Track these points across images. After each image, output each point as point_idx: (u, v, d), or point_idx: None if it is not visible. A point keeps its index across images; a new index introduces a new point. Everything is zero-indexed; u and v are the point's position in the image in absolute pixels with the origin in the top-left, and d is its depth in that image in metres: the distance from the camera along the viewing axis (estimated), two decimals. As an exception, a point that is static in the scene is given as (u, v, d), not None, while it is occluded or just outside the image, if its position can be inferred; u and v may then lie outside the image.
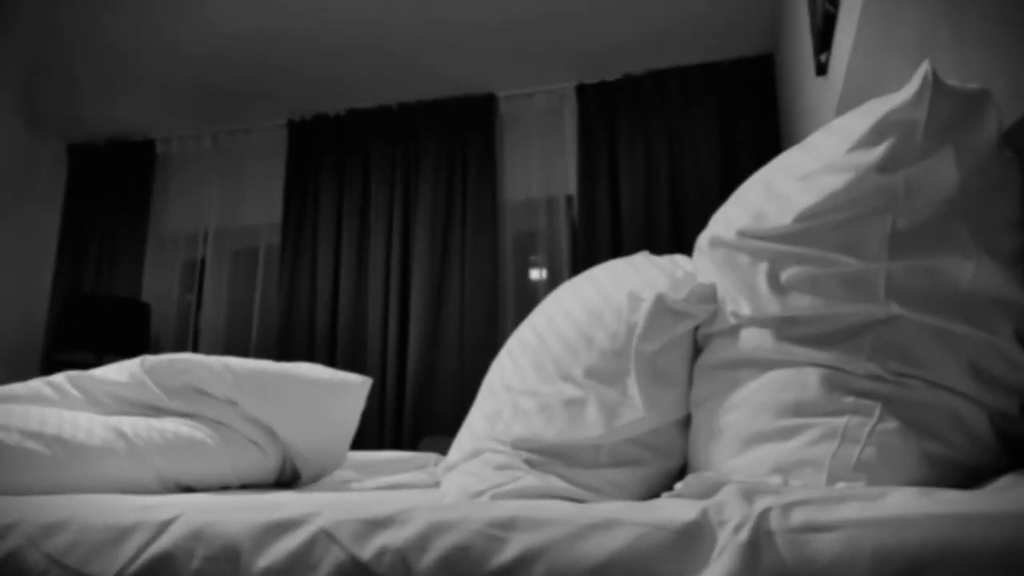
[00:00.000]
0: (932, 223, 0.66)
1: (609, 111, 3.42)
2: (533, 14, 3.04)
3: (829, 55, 1.85)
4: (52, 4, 2.99)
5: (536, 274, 3.53)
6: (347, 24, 3.10)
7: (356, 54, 3.32)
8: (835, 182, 0.69)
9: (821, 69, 1.92)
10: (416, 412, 3.24)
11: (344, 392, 1.52)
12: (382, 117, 3.68)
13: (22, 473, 1.04)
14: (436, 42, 3.22)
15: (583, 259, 3.25)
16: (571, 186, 3.47)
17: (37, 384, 1.30)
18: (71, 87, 3.59)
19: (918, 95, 0.66)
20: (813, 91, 2.22)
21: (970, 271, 0.65)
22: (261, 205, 3.87)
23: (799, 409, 0.70)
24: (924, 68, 0.67)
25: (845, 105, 1.65)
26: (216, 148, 3.99)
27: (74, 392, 1.30)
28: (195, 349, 3.76)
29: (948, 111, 0.66)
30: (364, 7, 2.99)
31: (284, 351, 3.51)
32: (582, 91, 3.46)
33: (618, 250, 3.25)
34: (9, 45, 3.25)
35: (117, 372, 1.33)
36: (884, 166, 0.67)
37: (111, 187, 3.99)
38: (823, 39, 1.81)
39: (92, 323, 3.39)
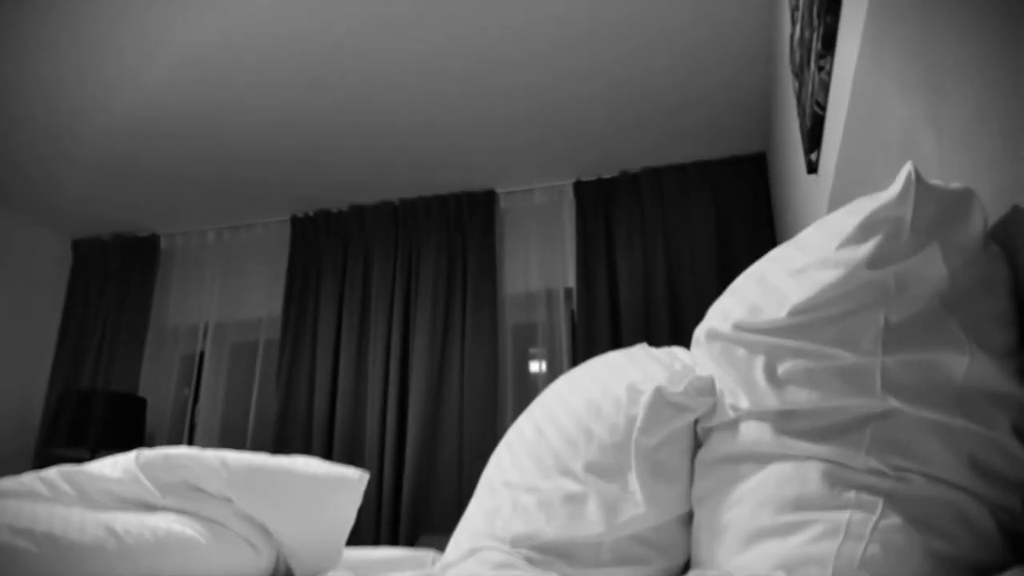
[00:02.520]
0: (924, 318, 0.67)
1: (606, 206, 3.50)
2: (532, 114, 3.14)
3: (819, 154, 1.90)
4: (56, 100, 3.09)
5: (536, 366, 3.53)
6: (350, 123, 3.20)
7: (359, 152, 3.41)
8: (827, 277, 0.71)
9: (812, 167, 1.97)
10: (414, 508, 3.18)
11: (341, 487, 1.49)
12: (384, 212, 3.76)
13: (11, 572, 1.01)
14: (437, 140, 3.32)
15: (582, 351, 3.25)
16: (570, 279, 3.51)
17: (30, 479, 1.28)
18: (78, 183, 3.67)
19: (902, 194, 0.68)
20: (805, 187, 2.27)
21: (964, 365, 0.65)
22: (262, 299, 3.90)
23: (801, 504, 0.69)
24: (907, 168, 0.69)
25: (836, 201, 1.69)
26: (220, 243, 4.05)
27: (67, 488, 1.28)
28: (191, 442, 3.72)
29: (933, 209, 0.68)
30: (367, 107, 3.09)
31: (281, 444, 3.47)
32: (579, 187, 3.54)
33: (617, 342, 3.26)
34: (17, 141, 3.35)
35: (111, 468, 1.32)
36: (873, 262, 0.68)
37: (114, 281, 4.03)
38: (813, 139, 1.87)
39: (87, 418, 3.36)
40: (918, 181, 0.69)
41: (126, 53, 2.79)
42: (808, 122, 1.87)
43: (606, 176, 3.55)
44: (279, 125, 3.21)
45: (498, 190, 3.69)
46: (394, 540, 3.19)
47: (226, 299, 3.95)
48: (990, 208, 0.77)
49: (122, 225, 4.09)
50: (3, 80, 2.93)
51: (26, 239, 3.96)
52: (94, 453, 3.37)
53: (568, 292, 3.50)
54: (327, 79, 2.93)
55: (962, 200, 0.70)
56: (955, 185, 0.71)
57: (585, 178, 3.58)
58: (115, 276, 4.04)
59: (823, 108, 1.73)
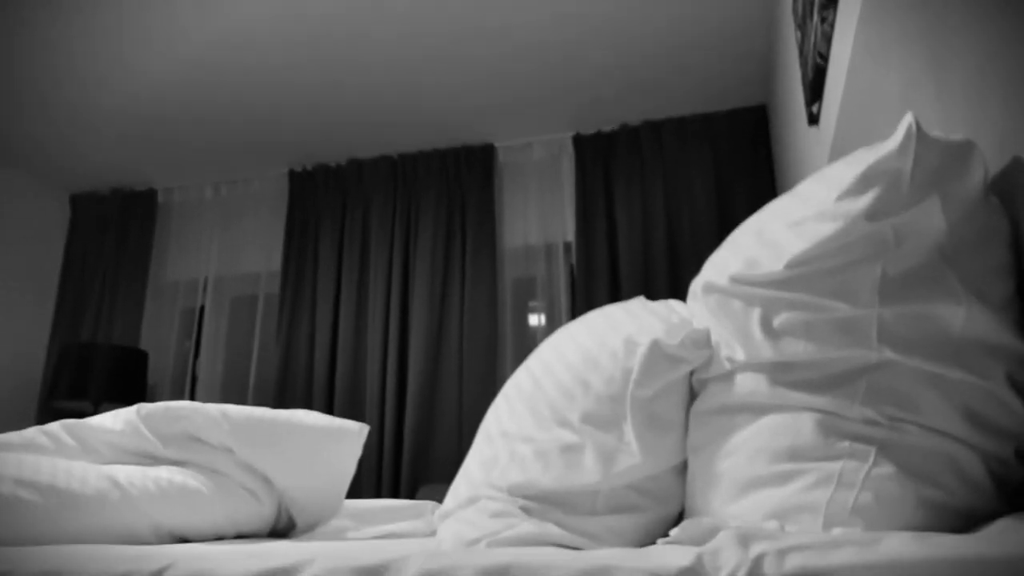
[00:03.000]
0: (922, 270, 0.67)
1: (606, 160, 3.47)
2: (531, 67, 3.09)
3: (820, 106, 1.89)
4: (55, 59, 3.04)
5: (535, 320, 3.54)
6: (348, 76, 3.15)
7: (357, 106, 3.37)
8: (825, 229, 0.70)
9: (813, 119, 1.95)
10: (414, 459, 3.22)
11: (341, 439, 1.51)
12: (382, 167, 3.73)
13: (15, 523, 1.03)
14: (436, 94, 3.28)
15: (581, 304, 3.26)
16: (569, 233, 3.50)
17: (32, 433, 1.29)
18: (74, 137, 3.63)
19: (902, 146, 0.68)
20: (806, 140, 2.26)
21: (961, 317, 0.65)
22: (261, 253, 3.90)
23: (795, 454, 0.70)
24: (907, 120, 0.68)
25: (837, 153, 1.68)
26: (217, 197, 4.03)
27: (69, 441, 1.29)
28: (192, 396, 3.74)
29: (933, 161, 0.68)
30: (365, 61, 3.05)
31: (282, 398, 3.49)
32: (579, 141, 3.51)
33: (615, 295, 3.27)
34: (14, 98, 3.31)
35: (113, 420, 1.33)
36: (872, 214, 0.68)
37: (112, 235, 4.02)
38: (814, 90, 1.84)
39: (89, 371, 3.38)
40: (919, 133, 0.68)
41: (126, 11, 2.74)
42: (810, 73, 1.84)
43: (605, 129, 3.52)
44: (277, 79, 3.17)
45: (497, 144, 3.66)
46: (395, 491, 3.24)
47: (225, 253, 3.94)
48: (990, 160, 0.76)
49: (120, 180, 4.06)
50: (4, 39, 2.88)
51: (24, 194, 3.94)
52: (97, 406, 3.39)
53: (567, 246, 3.50)
54: (326, 34, 2.88)
55: (963, 152, 0.69)
56: (956, 137, 0.70)
57: (584, 131, 3.54)
58: (113, 231, 4.02)
59: (825, 59, 1.70)
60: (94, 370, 3.38)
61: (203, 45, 2.97)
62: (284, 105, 3.37)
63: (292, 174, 3.86)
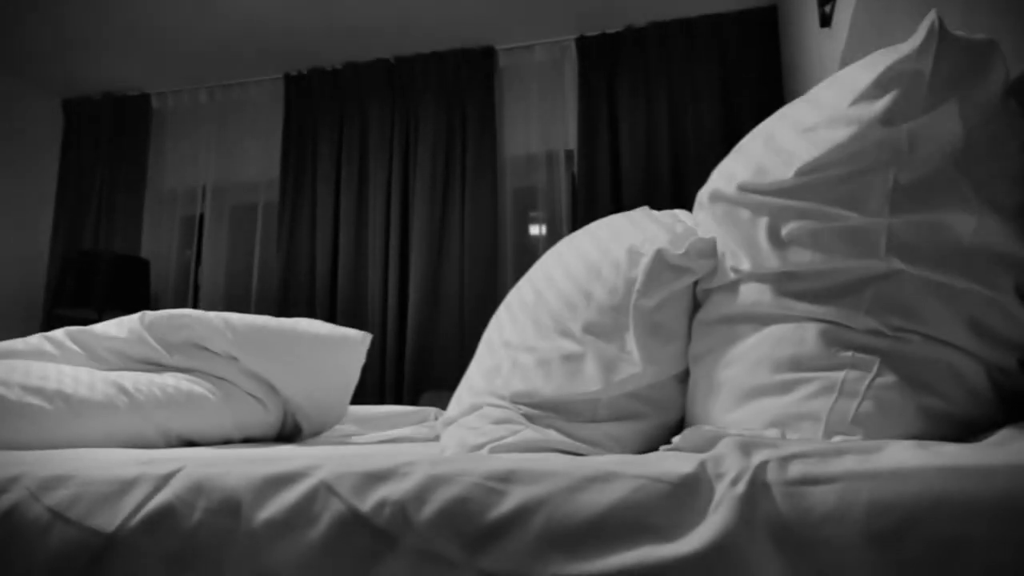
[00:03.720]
0: (935, 177, 0.66)
1: (610, 64, 3.38)
2: (533, -36, 2.97)
3: (833, 6, 1.82)
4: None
5: (536, 230, 3.52)
6: (343, -26, 3.03)
7: (353, 6, 3.26)
8: (838, 135, 0.68)
9: (825, 20, 1.89)
10: (416, 367, 3.26)
11: (344, 347, 1.52)
12: (380, 70, 3.64)
13: (23, 428, 1.05)
14: (434, -7, 3.16)
15: (583, 214, 3.24)
16: (571, 141, 3.44)
17: (37, 340, 1.30)
18: (65, 42, 3.53)
19: (924, 46, 0.65)
20: (817, 43, 2.19)
21: (972, 226, 0.64)
22: (259, 161, 3.84)
23: (797, 363, 0.70)
24: (931, 18, 0.65)
25: (849, 57, 1.63)
26: (212, 103, 3.94)
27: (74, 348, 1.30)
28: (195, 305, 3.76)
29: (954, 62, 0.65)
30: (360, -43, 2.93)
31: (284, 307, 3.52)
32: (583, 43, 3.41)
33: (618, 205, 3.24)
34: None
35: (117, 328, 1.34)
36: (887, 119, 0.66)
37: (108, 142, 3.96)
38: (828, -11, 1.78)
39: (92, 279, 3.39)
40: (941, 31, 0.65)
41: None
42: (825, -29, 1.77)
43: (610, 31, 3.41)
44: (267, -24, 3.05)
45: (497, 47, 3.56)
46: (398, 398, 3.30)
47: (223, 161, 3.89)
48: (1011, 62, 0.73)
49: (111, 84, 3.97)
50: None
51: (15, 100, 3.85)
52: (101, 314, 3.42)
53: (569, 154, 3.45)
54: (316, -76, 2.76)
55: (985, 52, 0.66)
56: (978, 36, 0.67)
57: (588, 33, 3.43)
58: (108, 137, 3.96)
59: (842, -44, 1.63)
60: (96, 278, 3.39)
61: (192, -59, 2.85)
62: (278, 6, 3.26)
63: (288, 78, 3.77)
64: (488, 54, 3.53)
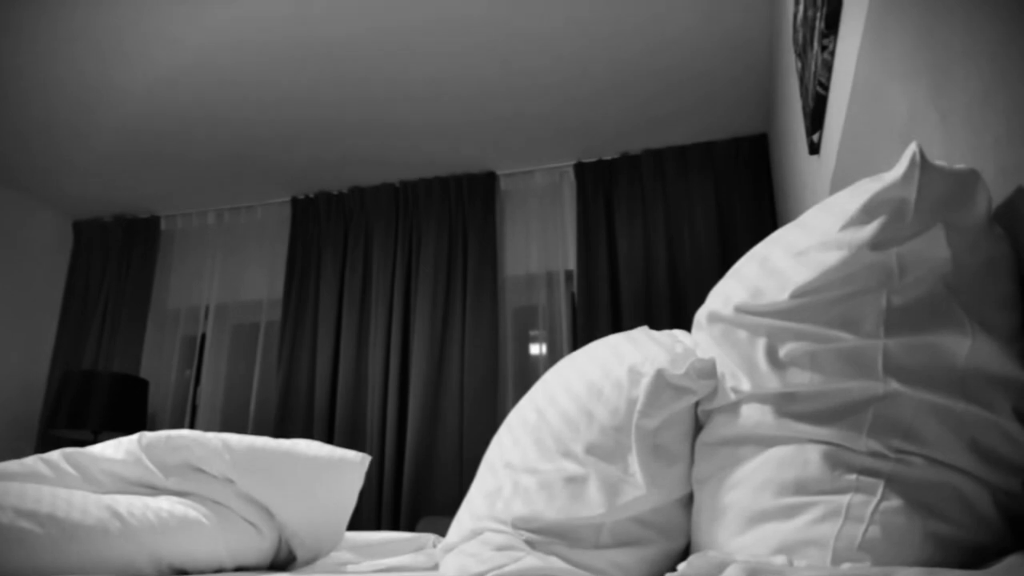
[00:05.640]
0: (927, 300, 0.67)
1: (607, 188, 3.49)
2: (532, 95, 3.12)
3: (821, 135, 1.89)
4: (58, 85, 3.07)
5: (536, 349, 3.53)
6: (351, 104, 3.18)
7: (360, 133, 3.40)
8: (829, 259, 0.70)
9: (814, 148, 1.96)
10: (415, 490, 3.19)
11: (342, 470, 1.50)
12: (384, 194, 3.75)
13: (15, 553, 1.02)
14: (438, 121, 3.30)
15: (583, 334, 3.26)
16: (570, 261, 3.50)
17: (33, 461, 1.29)
18: (79, 163, 3.65)
19: (907, 175, 0.68)
20: (807, 169, 2.27)
21: (966, 347, 0.65)
22: (263, 281, 3.90)
23: (801, 487, 0.69)
24: (912, 149, 0.68)
25: (839, 182, 1.68)
26: (220, 224, 4.04)
27: (70, 470, 1.28)
28: (192, 425, 3.73)
29: (937, 190, 0.68)
30: (367, 88, 3.07)
31: (282, 427, 3.48)
32: (580, 169, 3.52)
33: (618, 325, 3.26)
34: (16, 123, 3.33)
35: (114, 449, 1.32)
36: (876, 243, 0.68)
37: (115, 262, 4.03)
38: (815, 119, 1.86)
39: (89, 400, 3.37)
40: (923, 162, 0.68)
41: (129, 38, 2.77)
42: (810, 102, 1.86)
43: (607, 157, 3.54)
44: (280, 107, 3.20)
45: (499, 171, 3.68)
46: (395, 522, 3.21)
47: (227, 281, 3.95)
48: (994, 190, 0.76)
49: (123, 206, 4.08)
50: (7, 63, 2.91)
51: (28, 220, 3.95)
52: (96, 435, 3.38)
53: (568, 274, 3.50)
54: (328, 63, 2.91)
55: (966, 181, 0.69)
56: (959, 166, 0.70)
57: (586, 159, 3.56)
58: (116, 257, 4.04)
59: (826, 88, 1.72)
60: (94, 399, 3.37)
61: (206, 73, 3.00)
62: (287, 134, 3.39)
63: (295, 201, 3.88)
64: (490, 178, 3.65)
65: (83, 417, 3.35)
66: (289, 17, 2.68)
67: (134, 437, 1.33)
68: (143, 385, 3.58)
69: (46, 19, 2.69)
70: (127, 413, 3.45)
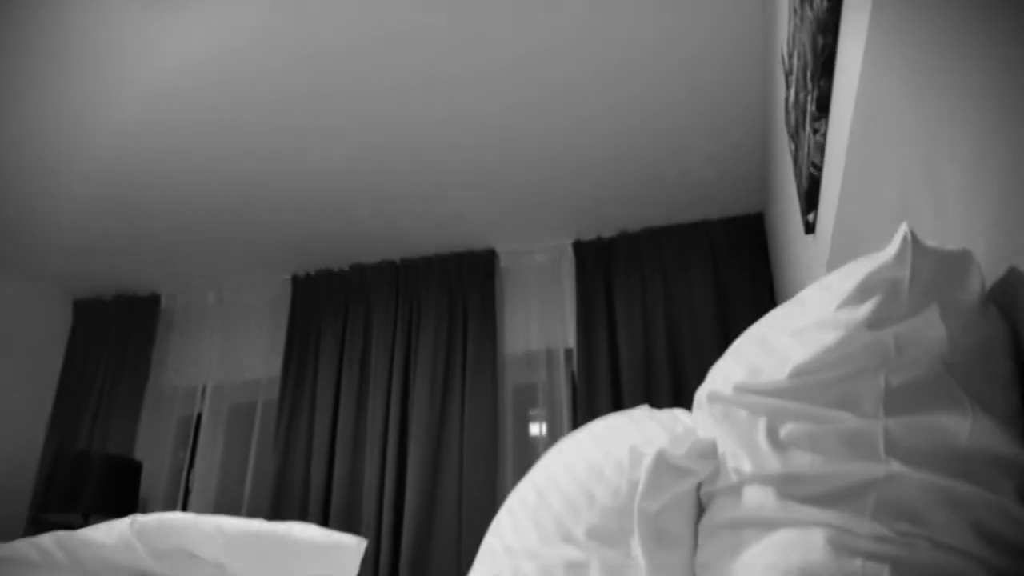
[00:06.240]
0: (925, 380, 0.67)
1: (606, 266, 3.52)
2: (532, 175, 3.18)
3: (816, 214, 1.92)
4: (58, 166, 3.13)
5: (536, 429, 3.50)
6: (351, 182, 3.24)
7: (361, 214, 3.44)
8: (827, 338, 0.71)
9: (809, 228, 1.99)
10: (412, 574, 3.11)
11: (338, 555, 1.47)
12: (385, 271, 3.77)
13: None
14: (439, 200, 3.36)
15: (583, 412, 3.23)
16: (570, 339, 3.50)
17: (24, 546, 1.26)
18: (79, 243, 3.69)
19: (899, 255, 0.69)
20: (803, 248, 2.29)
21: (967, 428, 0.65)
22: (262, 359, 3.89)
23: (807, 572, 0.68)
24: (903, 230, 0.70)
25: (835, 262, 1.70)
26: (220, 302, 4.06)
27: (60, 556, 1.25)
28: (185, 508, 3.66)
29: (930, 271, 0.69)
30: (368, 167, 3.13)
31: (277, 509, 3.41)
32: (579, 247, 3.56)
33: (618, 403, 3.24)
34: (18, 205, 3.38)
35: (106, 533, 1.30)
36: (873, 323, 0.68)
37: (113, 341, 4.03)
38: (810, 200, 1.89)
39: (81, 483, 3.32)
40: (914, 242, 0.69)
41: (127, 113, 2.84)
42: (805, 183, 1.89)
43: (605, 236, 3.58)
44: (280, 185, 3.25)
45: (498, 249, 3.72)
46: (392, 607, 3.12)
47: (226, 359, 3.94)
48: (987, 269, 0.77)
49: (124, 284, 4.10)
50: (7, 146, 2.97)
51: (28, 299, 3.97)
52: (87, 518, 3.31)
53: (568, 352, 3.49)
54: (328, 141, 2.97)
55: (959, 262, 0.70)
56: (952, 247, 0.71)
57: (584, 238, 3.60)
58: (115, 336, 4.04)
59: (819, 169, 1.75)
60: (86, 482, 3.32)
61: (206, 152, 3.06)
62: (288, 213, 3.44)
63: (295, 279, 3.91)
64: (490, 256, 3.68)
65: (74, 500, 3.29)
66: (291, 98, 2.75)
67: (126, 520, 1.31)
68: (136, 467, 3.53)
69: (41, 95, 2.77)
70: (119, 496, 3.39)
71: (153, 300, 4.07)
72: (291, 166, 3.09)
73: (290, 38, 2.46)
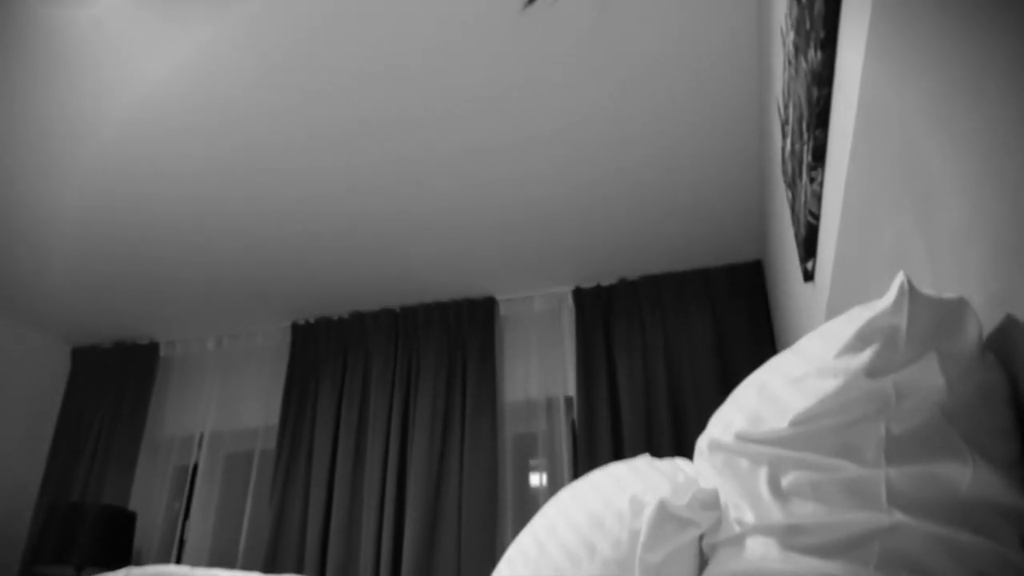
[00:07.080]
0: (925, 428, 0.67)
1: (605, 313, 3.52)
2: (531, 223, 3.20)
3: (815, 262, 1.93)
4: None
5: (536, 479, 3.46)
6: (351, 230, 3.25)
7: (361, 261, 3.46)
8: (827, 386, 0.71)
9: (808, 275, 1.99)
10: (410, 629, 3.05)
11: (335, 607, 1.44)
12: (384, 319, 3.77)
13: None
14: (438, 248, 3.37)
15: (583, 461, 3.20)
16: (570, 387, 3.49)
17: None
18: (79, 292, 3.70)
19: (896, 303, 0.69)
20: (802, 295, 2.29)
21: (968, 476, 0.64)
22: (259, 407, 3.87)
23: (811, 625, 0.66)
24: (899, 278, 0.70)
25: (834, 309, 1.70)
26: (219, 350, 4.05)
27: (51, 608, 1.23)
28: (179, 559, 3.60)
29: (927, 319, 0.69)
30: (368, 215, 3.16)
31: (273, 560, 3.36)
32: (579, 295, 3.57)
33: (619, 451, 3.21)
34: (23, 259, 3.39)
35: (98, 586, 1.28)
36: (872, 371, 0.68)
37: (111, 389, 4.01)
38: (807, 247, 1.90)
39: (74, 535, 3.27)
40: (911, 291, 0.69)
41: (119, 161, 2.87)
42: (803, 231, 1.90)
43: (605, 284, 3.59)
44: (280, 233, 3.27)
45: (498, 297, 3.72)
46: (389, 663, 3.05)
47: (223, 408, 3.91)
48: (983, 317, 0.78)
49: (122, 332, 4.10)
50: (8, 189, 3.00)
51: (26, 346, 3.96)
52: (79, 571, 3.26)
53: (568, 400, 3.47)
54: (327, 189, 3.00)
55: (956, 310, 0.70)
56: (948, 295, 0.71)
57: (584, 285, 3.61)
58: (112, 384, 4.02)
59: (816, 217, 1.76)
60: (80, 533, 3.27)
61: (203, 199, 3.09)
62: (288, 260, 3.45)
63: (295, 327, 3.90)
64: (489, 303, 3.68)
65: (67, 552, 3.24)
66: (291, 145, 2.79)
67: (120, 573, 1.29)
68: (130, 518, 3.48)
69: (55, 146, 2.80)
70: (113, 547, 3.34)
71: (152, 348, 4.06)
72: (293, 217, 3.11)
73: (289, 78, 2.51)
